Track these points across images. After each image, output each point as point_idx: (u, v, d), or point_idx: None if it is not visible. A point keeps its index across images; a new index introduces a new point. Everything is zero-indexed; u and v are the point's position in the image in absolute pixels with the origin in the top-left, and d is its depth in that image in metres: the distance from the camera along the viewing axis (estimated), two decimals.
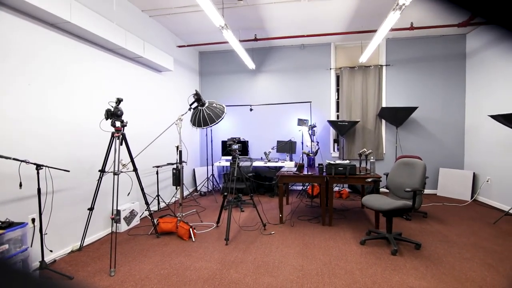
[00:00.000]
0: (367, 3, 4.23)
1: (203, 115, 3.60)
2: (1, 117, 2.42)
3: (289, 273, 2.53)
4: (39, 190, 2.50)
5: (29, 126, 2.64)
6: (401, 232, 3.36)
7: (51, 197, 2.76)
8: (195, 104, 3.63)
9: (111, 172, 2.85)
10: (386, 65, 5.75)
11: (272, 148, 5.33)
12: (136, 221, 3.92)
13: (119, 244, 3.23)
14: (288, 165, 5.19)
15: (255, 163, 5.49)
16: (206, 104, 3.65)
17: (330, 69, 6.01)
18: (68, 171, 2.82)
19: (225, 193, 3.65)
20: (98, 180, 3.07)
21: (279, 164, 5.47)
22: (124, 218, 3.68)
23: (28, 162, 2.39)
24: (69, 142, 3.06)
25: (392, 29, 4.52)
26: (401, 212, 3.02)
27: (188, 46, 5.63)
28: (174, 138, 4.54)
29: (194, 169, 6.14)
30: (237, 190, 4.90)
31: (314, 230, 3.64)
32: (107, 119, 2.92)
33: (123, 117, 3.02)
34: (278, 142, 5.88)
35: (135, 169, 3.23)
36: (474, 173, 5.08)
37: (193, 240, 3.32)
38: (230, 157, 3.74)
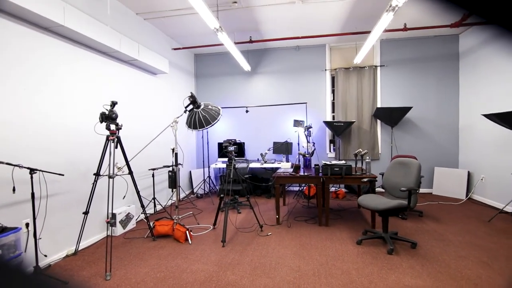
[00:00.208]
0: (361, 4, 4.27)
1: (199, 117, 3.60)
2: None
3: (286, 274, 2.53)
4: (33, 194, 2.48)
5: (23, 130, 2.62)
6: (397, 231, 3.37)
7: (45, 202, 2.74)
8: (191, 106, 3.63)
9: (106, 175, 2.84)
10: (380, 66, 5.80)
11: (268, 150, 5.34)
12: (132, 224, 3.90)
13: (115, 247, 3.20)
14: (285, 166, 5.20)
15: (252, 165, 5.48)
16: (202, 106, 3.65)
17: (325, 70, 6.04)
18: (63, 175, 2.81)
19: (222, 195, 3.64)
20: (93, 183, 3.05)
21: (275, 165, 5.48)
22: (120, 222, 3.66)
23: (21, 167, 2.37)
24: (63, 146, 3.04)
25: (386, 30, 4.55)
26: (397, 212, 3.03)
27: (183, 48, 5.63)
28: (170, 140, 4.53)
29: (190, 171, 6.13)
30: (234, 192, 4.89)
31: (311, 230, 3.64)
32: (101, 122, 2.91)
33: (118, 120, 3.02)
34: (275, 143, 5.89)
35: (130, 172, 3.22)
36: (468, 171, 5.12)
37: (190, 242, 3.31)
38: (226, 159, 3.73)
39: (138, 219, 4.13)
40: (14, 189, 2.37)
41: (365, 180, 3.46)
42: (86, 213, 3.08)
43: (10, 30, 2.53)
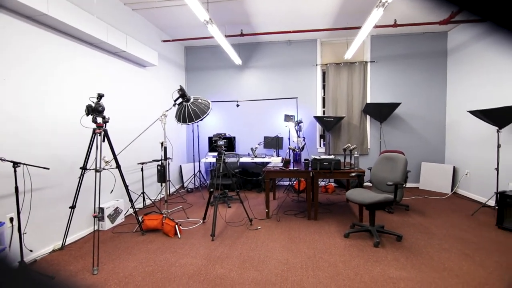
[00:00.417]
0: None
1: (188, 111, 3.56)
2: None
3: (274, 267, 2.56)
4: (16, 188, 2.42)
5: (5, 123, 2.54)
6: (384, 224, 3.44)
7: (30, 196, 2.68)
8: (180, 100, 3.59)
9: (92, 169, 2.79)
10: (370, 62, 5.84)
11: (259, 144, 5.34)
12: (120, 219, 3.87)
13: (103, 242, 3.18)
14: (275, 161, 5.22)
15: (243, 159, 5.49)
16: (191, 100, 3.62)
17: (316, 65, 6.05)
18: (48, 168, 2.75)
19: (211, 189, 3.64)
20: (80, 177, 2.99)
21: (266, 159, 5.49)
22: (108, 216, 3.62)
23: (3, 160, 2.31)
24: (49, 139, 2.97)
25: (376, 26, 4.58)
26: (383, 205, 3.09)
27: (173, 40, 5.54)
28: (160, 134, 4.47)
29: (180, 166, 6.09)
30: (224, 186, 4.89)
31: (300, 224, 3.68)
32: (88, 115, 2.85)
33: (105, 113, 2.96)
34: (265, 137, 5.90)
35: (118, 166, 3.17)
36: (454, 167, 5.25)
37: (179, 236, 3.31)
38: (216, 153, 3.72)
39: (127, 214, 4.09)
40: None
41: (353, 174, 3.50)
42: (72, 207, 3.04)
43: None
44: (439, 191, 5.32)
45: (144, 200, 4.48)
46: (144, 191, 4.46)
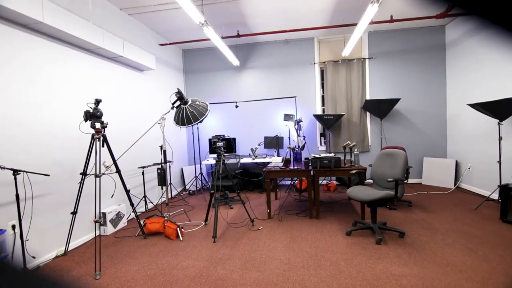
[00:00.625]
0: None
1: (186, 113, 3.57)
2: None
3: (275, 267, 2.55)
4: (17, 196, 2.45)
5: (5, 131, 2.56)
6: (386, 221, 3.42)
7: (31, 203, 2.70)
8: (178, 103, 3.60)
9: (93, 174, 2.80)
10: (369, 58, 5.82)
11: (259, 144, 5.34)
12: (123, 223, 3.88)
13: (105, 247, 3.19)
14: (275, 161, 5.21)
15: (244, 160, 5.48)
16: (189, 102, 3.62)
17: (314, 63, 6.03)
18: (48, 175, 2.77)
19: (212, 191, 3.64)
20: (80, 183, 3.01)
21: (266, 160, 5.48)
22: (110, 221, 3.63)
23: (3, 168, 2.33)
24: (48, 145, 2.99)
25: (373, 22, 4.57)
26: (385, 202, 3.08)
27: (170, 44, 5.55)
28: (159, 137, 4.49)
29: (182, 168, 6.10)
30: (225, 188, 4.89)
31: (301, 223, 3.67)
32: (86, 120, 2.86)
33: (104, 118, 2.97)
34: (265, 138, 5.89)
35: (118, 171, 3.18)
36: (456, 161, 5.21)
37: (181, 239, 3.31)
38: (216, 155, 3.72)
39: (130, 218, 4.10)
40: None
41: (354, 172, 3.49)
42: (74, 213, 3.05)
43: None
44: (442, 186, 5.28)
45: (146, 204, 4.49)
46: (146, 194, 4.47)
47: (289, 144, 5.75)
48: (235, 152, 6.09)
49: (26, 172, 2.53)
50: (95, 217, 2.68)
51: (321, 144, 6.17)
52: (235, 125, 6.36)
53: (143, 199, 4.43)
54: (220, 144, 3.64)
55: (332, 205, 4.46)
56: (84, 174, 3.00)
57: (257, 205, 4.63)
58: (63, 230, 3.09)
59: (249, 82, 6.29)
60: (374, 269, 2.43)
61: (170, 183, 5.36)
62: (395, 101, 5.38)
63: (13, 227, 2.57)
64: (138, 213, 4.31)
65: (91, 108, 2.88)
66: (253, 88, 6.27)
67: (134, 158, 4.34)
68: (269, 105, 6.17)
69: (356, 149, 3.94)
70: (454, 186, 5.11)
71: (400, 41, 5.69)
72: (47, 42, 3.02)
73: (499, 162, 3.84)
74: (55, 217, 3.03)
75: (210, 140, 6.01)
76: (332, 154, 3.91)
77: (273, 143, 5.77)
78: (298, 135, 5.22)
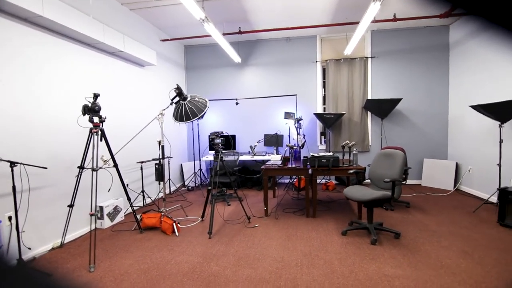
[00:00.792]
0: None
1: (185, 110, 3.57)
2: None
3: (269, 264, 2.55)
4: (14, 187, 2.47)
5: (3, 123, 2.58)
6: (383, 222, 3.41)
7: (28, 195, 2.71)
8: (177, 99, 3.60)
9: (90, 168, 2.82)
10: (371, 57, 5.77)
11: (258, 142, 5.33)
12: (120, 217, 3.90)
13: (101, 240, 3.21)
14: (274, 158, 5.20)
15: (243, 157, 5.48)
16: (188, 98, 3.62)
17: (316, 61, 6.00)
18: (45, 168, 2.78)
19: (209, 188, 3.65)
20: (77, 176, 3.03)
21: (266, 157, 5.48)
22: (107, 214, 3.66)
23: (0, 160, 2.35)
24: (47, 139, 3.01)
25: (375, 21, 4.53)
26: (381, 203, 3.06)
27: (171, 39, 5.54)
28: (159, 133, 4.51)
29: (181, 164, 6.11)
30: (223, 185, 4.90)
31: (298, 222, 3.67)
32: (84, 114, 2.87)
33: (104, 113, 2.99)
34: (266, 135, 5.88)
35: (115, 165, 3.20)
36: (457, 163, 5.17)
37: (177, 234, 3.33)
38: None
39: (127, 212, 4.13)
40: None
41: (352, 171, 3.47)
42: (71, 206, 3.08)
43: None
44: (441, 188, 5.24)
45: (144, 198, 4.52)
46: (144, 189, 4.49)
47: (289, 142, 5.74)
48: (235, 149, 6.09)
49: (23, 164, 2.55)
50: (91, 211, 2.69)
51: (321, 143, 6.15)
52: (235, 122, 6.36)
53: (141, 193, 4.45)
54: (218, 141, 3.64)
55: (330, 204, 4.45)
56: (81, 167, 3.02)
57: (255, 203, 4.63)
58: (60, 222, 3.11)
59: (251, 79, 6.27)
60: (367, 269, 2.43)
61: (169, 179, 5.37)
62: (397, 101, 5.34)
63: (10, 218, 2.59)
64: (136, 208, 4.34)
65: (90, 102, 2.89)
66: (254, 85, 6.25)
67: (133, 153, 4.36)
68: (270, 103, 6.16)
69: (355, 149, 3.92)
70: (454, 188, 5.07)
71: (403, 41, 5.64)
72: (47, 36, 3.03)
73: (499, 165, 3.80)
74: (52, 209, 3.06)
75: (209, 136, 6.01)
76: (331, 153, 3.90)
77: (273, 141, 5.76)
78: (298, 134, 5.21)
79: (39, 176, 2.86)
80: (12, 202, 2.48)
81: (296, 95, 5.93)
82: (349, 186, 3.44)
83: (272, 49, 6.14)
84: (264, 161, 5.47)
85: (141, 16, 4.76)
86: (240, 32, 5.22)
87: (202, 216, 3.85)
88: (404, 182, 4.24)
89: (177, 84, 3.56)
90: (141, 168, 4.46)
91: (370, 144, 5.86)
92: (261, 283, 2.24)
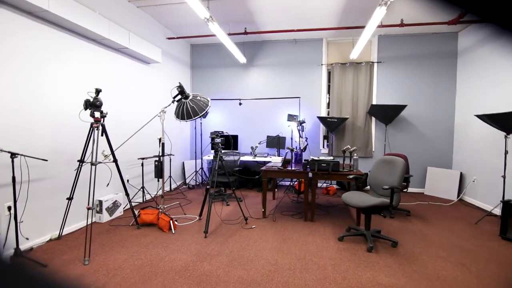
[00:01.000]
0: None
1: (187, 108, 3.58)
2: None
3: (261, 266, 2.54)
4: (13, 178, 2.50)
5: (7, 116, 2.62)
6: (381, 229, 3.36)
7: (27, 186, 2.75)
8: (179, 97, 3.61)
9: (89, 162, 2.84)
10: (377, 62, 5.71)
11: (259, 143, 5.32)
12: (119, 212, 3.94)
13: (98, 234, 3.24)
14: (275, 160, 5.19)
15: (244, 158, 5.48)
16: (190, 97, 3.63)
17: (322, 64, 5.97)
18: (46, 160, 2.82)
19: (208, 187, 3.65)
20: (77, 170, 3.06)
21: (267, 159, 5.47)
22: (106, 209, 3.69)
23: (1, 150, 2.39)
24: (50, 132, 3.06)
25: (382, 26, 4.49)
26: (379, 210, 3.02)
27: (177, 38, 5.57)
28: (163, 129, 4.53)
29: (183, 162, 6.14)
30: (222, 184, 4.90)
31: (295, 225, 3.65)
32: (85, 109, 2.90)
33: (106, 108, 3.02)
34: (268, 137, 5.87)
35: (115, 160, 3.22)
36: (461, 172, 5.08)
37: (173, 232, 3.34)
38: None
39: (126, 207, 4.15)
40: None
41: (351, 177, 3.44)
42: (70, 199, 3.11)
43: None
44: (444, 198, 5.15)
45: (143, 195, 4.54)
46: (144, 186, 4.52)
47: (291, 144, 5.72)
48: (237, 149, 6.08)
49: (24, 156, 2.58)
50: (88, 204, 2.71)
51: (323, 147, 6.11)
52: (238, 123, 6.36)
53: (141, 190, 4.48)
54: (218, 140, 3.64)
55: (329, 209, 4.42)
56: (81, 161, 3.05)
57: (254, 204, 4.62)
58: (59, 215, 3.15)
59: (255, 80, 6.27)
60: (361, 277, 2.39)
61: (170, 176, 5.40)
62: (402, 107, 5.28)
63: (9, 208, 2.63)
64: (135, 204, 4.38)
65: (92, 97, 2.92)
66: (259, 86, 6.25)
67: (135, 149, 4.40)
68: (274, 105, 6.14)
69: (355, 154, 3.88)
70: (457, 198, 4.98)
71: (411, 46, 5.57)
72: (52, 31, 3.07)
73: (504, 176, 3.72)
74: (52, 201, 3.10)
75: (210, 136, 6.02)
76: (331, 158, 3.87)
77: (274, 142, 5.74)
78: (300, 136, 5.19)
79: (40, 168, 2.90)
80: (10, 193, 2.51)
81: (299, 97, 5.90)
82: (349, 191, 3.41)
83: (277, 51, 6.13)
84: (265, 163, 5.46)
85: (148, 13, 4.79)
86: (245, 33, 5.23)
87: (200, 215, 3.85)
88: (405, 190, 4.21)
89: (179, 83, 3.57)
90: (142, 165, 4.49)
91: (373, 150, 5.80)
92: (252, 285, 2.23)
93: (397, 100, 5.61)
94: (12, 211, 2.57)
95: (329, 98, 6.09)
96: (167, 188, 5.43)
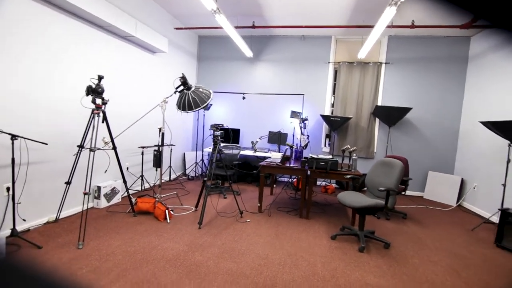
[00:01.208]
0: None
1: (188, 99, 3.59)
2: None
3: (252, 260, 2.56)
4: (13, 159, 2.55)
5: (11, 101, 2.66)
6: (375, 230, 3.36)
7: (26, 168, 2.80)
8: (181, 88, 3.62)
9: (88, 148, 2.88)
10: (385, 63, 5.63)
11: (260, 138, 5.32)
12: (117, 199, 3.99)
13: (95, 219, 3.30)
14: (275, 156, 5.18)
15: (245, 152, 5.49)
16: (192, 88, 3.63)
17: (329, 62, 5.91)
18: (46, 144, 2.86)
19: (205, 179, 3.68)
20: (76, 155, 3.10)
21: (267, 154, 5.47)
22: (104, 195, 3.74)
23: (2, 132, 2.43)
24: (53, 117, 3.11)
25: (392, 26, 4.42)
26: (374, 211, 3.01)
27: (185, 28, 5.56)
28: (166, 120, 4.55)
29: (184, 153, 6.18)
30: (220, 177, 4.92)
31: (290, 221, 3.66)
32: (87, 95, 2.93)
33: (110, 95, 3.05)
34: (270, 132, 5.86)
35: (114, 148, 3.26)
36: (462, 178, 5.02)
37: (168, 221, 3.38)
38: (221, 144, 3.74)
39: (124, 195, 4.19)
40: None
41: (348, 177, 3.43)
42: (68, 183, 3.16)
43: None
44: (443, 203, 5.11)
45: (142, 183, 4.59)
46: (143, 174, 4.57)
47: (293, 141, 5.70)
48: (238, 143, 6.09)
49: (24, 138, 2.63)
50: (85, 190, 2.75)
51: (325, 145, 6.09)
52: (241, 116, 6.35)
53: (140, 178, 4.53)
54: (217, 133, 3.65)
55: (326, 207, 4.42)
56: (81, 147, 3.09)
57: (251, 198, 4.64)
58: (57, 198, 3.21)
59: (261, 74, 6.24)
60: (350, 276, 2.40)
61: (170, 166, 5.44)
62: (407, 110, 5.22)
63: (8, 189, 2.69)
64: (134, 192, 4.43)
65: (94, 83, 2.94)
66: (264, 81, 6.22)
67: (136, 137, 4.44)
68: (278, 100, 6.12)
69: (355, 154, 3.86)
70: (456, 204, 4.94)
71: (421, 49, 5.47)
72: (56, 14, 3.07)
73: (504, 185, 3.67)
74: (51, 185, 3.15)
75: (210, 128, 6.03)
76: (330, 156, 3.86)
77: (276, 138, 5.73)
78: (302, 134, 5.16)
79: (40, 151, 2.95)
80: (10, 174, 2.56)
81: (303, 94, 5.86)
82: (346, 191, 3.40)
83: (285, 46, 6.08)
84: (265, 158, 5.47)
85: (157, 2, 4.78)
86: (253, 27, 5.19)
87: (196, 206, 3.89)
88: (403, 193, 4.19)
89: (182, 73, 3.57)
90: (142, 153, 4.53)
91: (375, 151, 5.76)
92: (241, 278, 2.25)
93: (402, 102, 5.54)
94: (11, 192, 2.62)
95: (334, 96, 6.04)
96: (166, 178, 5.48)
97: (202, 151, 6.13)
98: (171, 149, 5.34)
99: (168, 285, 2.10)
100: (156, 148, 3.62)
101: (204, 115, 6.16)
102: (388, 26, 4.18)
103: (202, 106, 3.58)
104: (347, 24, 5.08)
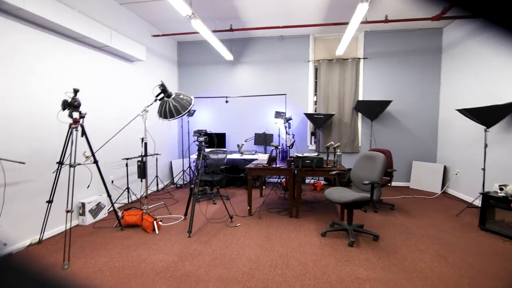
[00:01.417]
0: None
1: (169, 107, 3.55)
2: None
3: (243, 265, 2.55)
4: None
5: None
6: (363, 224, 3.41)
7: (3, 190, 2.70)
8: (161, 95, 3.58)
9: (68, 164, 2.80)
10: (363, 58, 5.74)
11: (245, 141, 5.32)
12: (103, 214, 3.89)
13: (81, 237, 3.21)
14: (262, 158, 5.19)
15: (232, 156, 5.47)
16: (173, 96, 3.60)
17: (309, 61, 5.97)
18: (23, 163, 2.77)
19: (192, 186, 3.64)
20: (56, 172, 3.01)
21: (254, 156, 5.47)
22: (89, 211, 3.65)
23: None
24: (28, 134, 2.99)
25: (367, 22, 4.52)
26: (360, 205, 3.05)
27: (163, 35, 5.51)
28: (149, 129, 4.49)
29: (171, 162, 6.10)
30: (208, 183, 4.89)
31: (280, 222, 3.67)
32: (63, 110, 2.85)
33: (88, 108, 2.98)
34: (256, 134, 5.87)
35: (95, 162, 3.18)
36: (445, 166, 5.17)
37: (157, 232, 3.32)
38: (206, 150, 3.71)
39: (111, 209, 4.11)
40: None
41: (334, 172, 3.47)
42: (50, 202, 3.06)
43: None
44: (429, 191, 5.25)
45: (129, 195, 4.51)
46: (129, 186, 4.48)
47: (278, 141, 5.73)
48: (225, 147, 6.07)
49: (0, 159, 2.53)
50: (67, 207, 2.68)
51: (311, 143, 6.14)
52: (226, 120, 6.34)
53: (126, 190, 4.44)
54: (201, 139, 3.62)
55: (315, 205, 4.45)
56: (60, 163, 3.00)
57: (241, 202, 4.62)
58: (39, 218, 3.10)
59: (243, 77, 6.25)
60: (340, 271, 2.42)
61: (157, 176, 5.37)
62: (387, 103, 5.33)
63: None
64: (121, 205, 4.35)
65: (69, 97, 2.86)
66: (246, 83, 6.23)
67: (120, 149, 4.35)
68: (262, 102, 6.13)
69: (339, 150, 3.91)
70: (441, 191, 5.08)
71: (397, 42, 5.61)
72: (29, 30, 2.99)
73: (483, 169, 3.80)
74: (31, 205, 3.04)
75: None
76: (316, 154, 3.89)
77: (261, 140, 5.74)
78: (287, 133, 5.19)
79: (17, 171, 2.85)
80: None
81: (285, 94, 5.90)
82: (332, 187, 3.44)
83: (264, 48, 6.11)
84: (252, 160, 5.46)
85: (132, 10, 4.72)
86: (231, 30, 5.19)
87: (185, 214, 3.84)
88: (389, 184, 4.26)
89: (161, 81, 3.53)
90: (127, 165, 4.44)
91: (360, 145, 5.85)
92: (232, 283, 2.24)
93: (383, 96, 5.66)
94: None
95: (316, 94, 6.11)
96: (154, 188, 5.39)
97: (189, 158, 6.08)
98: (156, 159, 5.26)
99: None
100: (140, 159, 3.56)
101: (188, 121, 6.11)
102: (363, 22, 4.27)
103: (183, 113, 3.55)
104: (323, 22, 5.15)
